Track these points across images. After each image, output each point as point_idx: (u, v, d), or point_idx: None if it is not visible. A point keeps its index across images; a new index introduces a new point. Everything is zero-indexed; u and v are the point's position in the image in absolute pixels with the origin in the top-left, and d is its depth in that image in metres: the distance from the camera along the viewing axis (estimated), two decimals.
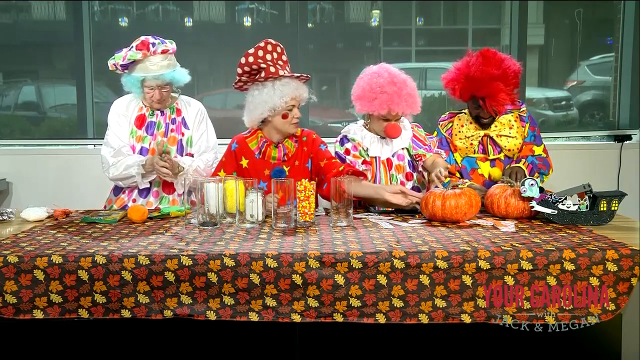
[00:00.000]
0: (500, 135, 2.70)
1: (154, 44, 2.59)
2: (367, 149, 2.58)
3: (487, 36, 4.45)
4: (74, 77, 4.13)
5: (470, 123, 2.76)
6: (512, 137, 2.70)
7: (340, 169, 2.40)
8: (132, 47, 2.59)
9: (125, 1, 4.23)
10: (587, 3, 4.26)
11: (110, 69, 2.64)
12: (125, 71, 2.64)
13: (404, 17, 4.41)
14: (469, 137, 2.73)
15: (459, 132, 2.76)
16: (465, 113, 2.80)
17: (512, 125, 2.71)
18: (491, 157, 2.72)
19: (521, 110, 2.76)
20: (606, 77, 4.38)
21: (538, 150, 2.72)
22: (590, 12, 4.28)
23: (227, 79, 4.31)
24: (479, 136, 2.72)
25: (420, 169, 2.62)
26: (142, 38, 2.61)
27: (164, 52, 2.60)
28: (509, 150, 2.70)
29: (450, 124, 2.81)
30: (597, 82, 4.45)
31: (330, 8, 4.37)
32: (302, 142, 2.57)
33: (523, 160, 2.64)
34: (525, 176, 2.53)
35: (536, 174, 2.63)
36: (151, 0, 4.27)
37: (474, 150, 2.73)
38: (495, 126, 2.71)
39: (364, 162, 2.56)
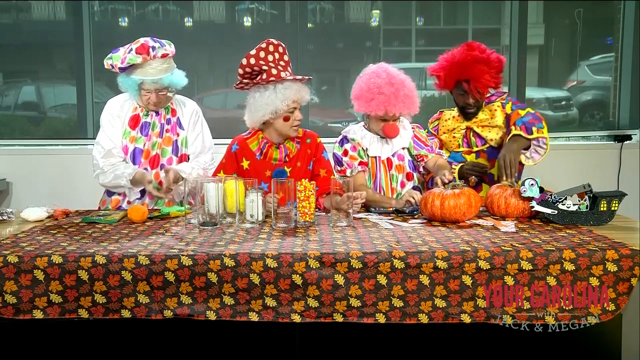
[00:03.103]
0: (482, 126, 2.69)
1: (154, 48, 2.54)
2: (367, 148, 2.58)
3: (487, 36, 4.45)
4: (74, 77, 4.13)
5: (454, 117, 2.76)
6: (494, 127, 2.67)
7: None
8: (132, 49, 2.54)
9: (125, 1, 4.23)
10: (587, 3, 4.26)
11: (106, 67, 2.62)
12: (121, 72, 2.61)
13: (404, 17, 4.41)
14: (451, 131, 2.74)
15: (443, 126, 2.78)
16: (451, 109, 2.80)
17: (495, 114, 2.69)
18: (475, 149, 2.72)
19: (501, 97, 2.74)
20: (606, 77, 4.38)
21: (523, 112, 2.60)
22: (590, 12, 4.28)
23: (227, 79, 4.31)
24: (461, 129, 2.73)
25: (421, 169, 2.62)
26: (142, 41, 2.56)
27: (163, 56, 2.57)
28: (492, 140, 2.69)
29: (437, 121, 2.83)
30: (597, 82, 4.45)
31: (330, 8, 4.38)
32: (305, 143, 2.56)
33: (513, 128, 2.51)
34: (518, 166, 2.46)
35: (534, 129, 2.48)
36: (151, 0, 4.27)
37: (458, 144, 2.73)
38: (477, 117, 2.70)
39: (361, 162, 2.56)
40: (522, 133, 2.46)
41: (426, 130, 2.82)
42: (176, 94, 2.76)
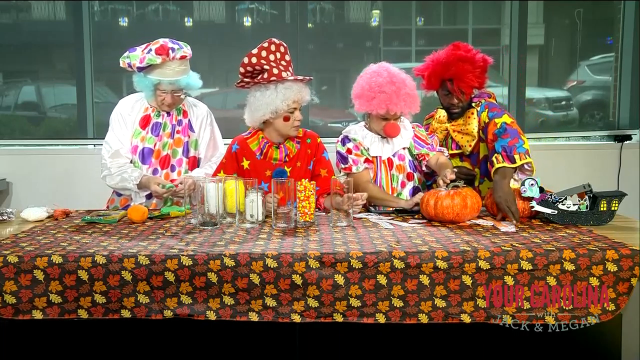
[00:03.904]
0: (457, 132, 2.67)
1: (173, 49, 2.55)
2: (368, 148, 2.58)
3: (487, 36, 4.45)
4: (74, 77, 4.13)
5: (439, 118, 2.75)
6: (466, 134, 2.64)
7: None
8: (151, 50, 2.54)
9: (125, 1, 4.23)
10: (587, 3, 4.26)
11: (121, 66, 2.62)
12: (139, 72, 2.61)
13: (404, 17, 4.41)
14: (433, 131, 2.74)
15: (431, 125, 2.78)
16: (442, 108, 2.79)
17: (469, 117, 2.64)
18: (449, 152, 2.70)
19: (479, 102, 2.66)
20: (606, 77, 4.37)
21: (500, 121, 2.48)
22: (590, 12, 4.27)
23: (227, 79, 4.31)
24: (442, 130, 2.72)
25: (423, 168, 2.62)
26: (161, 42, 2.57)
27: (182, 57, 2.58)
28: (463, 146, 2.67)
29: (431, 119, 2.82)
30: (597, 82, 4.45)
31: (330, 8, 4.37)
32: (305, 143, 2.57)
33: (495, 160, 2.39)
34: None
35: (517, 157, 2.35)
36: (151, 0, 4.27)
37: (441, 145, 2.72)
38: (455, 121, 2.68)
39: (366, 160, 2.56)
40: (506, 165, 2.34)
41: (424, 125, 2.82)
42: (187, 96, 2.77)
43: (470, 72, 2.55)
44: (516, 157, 2.34)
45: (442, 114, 2.76)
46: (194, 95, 2.86)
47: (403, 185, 2.58)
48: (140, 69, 2.58)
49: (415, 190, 2.57)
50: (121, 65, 2.62)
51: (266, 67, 2.40)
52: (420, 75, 2.70)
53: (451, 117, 2.70)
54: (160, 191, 2.53)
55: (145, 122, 2.70)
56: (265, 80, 2.40)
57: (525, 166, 2.38)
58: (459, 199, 2.15)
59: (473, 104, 2.66)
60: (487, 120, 2.54)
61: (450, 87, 2.59)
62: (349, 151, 2.58)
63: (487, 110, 2.58)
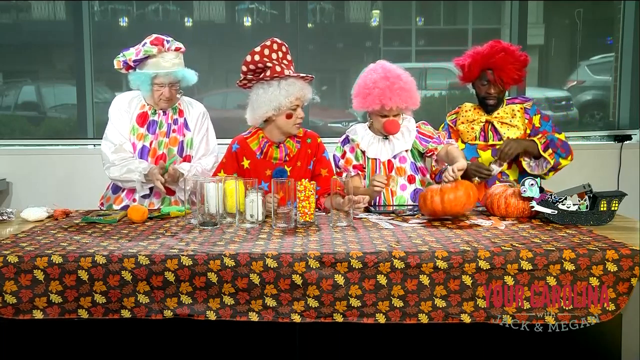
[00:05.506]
0: (502, 123, 2.69)
1: (167, 41, 2.60)
2: (365, 150, 2.58)
3: (487, 36, 4.41)
4: (74, 77, 4.13)
5: (474, 109, 2.77)
6: (513, 126, 2.67)
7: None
8: (146, 43, 2.58)
9: (125, 1, 4.23)
10: (587, 3, 4.26)
11: (115, 67, 2.63)
12: (131, 70, 2.63)
13: (404, 17, 4.41)
14: (470, 122, 2.74)
15: (462, 116, 2.78)
16: (472, 103, 2.82)
17: (515, 114, 2.69)
18: (490, 142, 2.71)
19: (526, 104, 2.75)
20: (606, 77, 4.38)
21: (559, 137, 2.67)
22: (590, 12, 4.28)
23: (227, 78, 4.31)
24: (481, 121, 2.73)
25: (433, 163, 2.62)
26: (155, 35, 2.61)
27: (177, 49, 2.62)
28: (508, 137, 2.68)
29: (455, 115, 2.83)
30: (597, 82, 4.45)
31: (330, 8, 4.38)
32: (305, 143, 2.57)
33: (540, 135, 2.64)
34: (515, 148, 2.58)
35: (550, 151, 2.59)
36: (151, 0, 4.27)
37: (475, 136, 2.72)
38: (498, 113, 2.71)
39: (355, 166, 2.57)
40: (539, 145, 2.60)
41: (442, 124, 2.82)
42: (184, 96, 2.78)
43: (511, 64, 2.64)
44: (549, 151, 2.59)
45: (471, 106, 2.79)
46: (198, 94, 2.87)
47: (404, 188, 2.57)
48: (136, 63, 2.60)
49: (416, 193, 2.56)
50: (115, 66, 2.64)
51: (269, 64, 2.41)
52: (458, 66, 2.75)
53: (486, 110, 2.73)
54: (160, 186, 2.54)
55: (142, 119, 2.70)
56: (268, 77, 2.41)
57: (545, 163, 2.58)
58: (462, 190, 2.15)
59: (516, 102, 2.75)
60: (539, 126, 2.71)
61: (491, 76, 2.65)
62: (343, 155, 2.60)
63: (539, 115, 2.73)
